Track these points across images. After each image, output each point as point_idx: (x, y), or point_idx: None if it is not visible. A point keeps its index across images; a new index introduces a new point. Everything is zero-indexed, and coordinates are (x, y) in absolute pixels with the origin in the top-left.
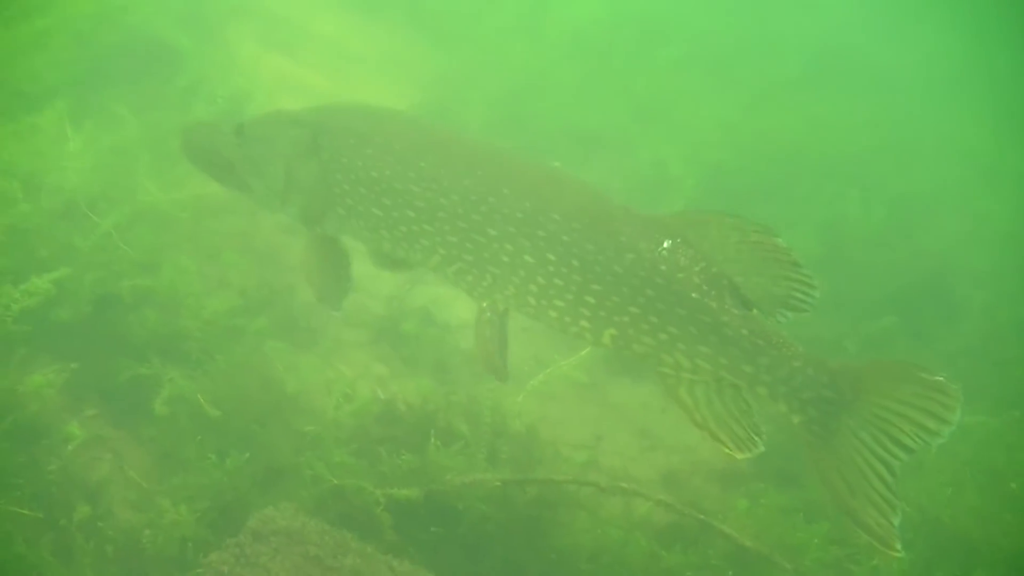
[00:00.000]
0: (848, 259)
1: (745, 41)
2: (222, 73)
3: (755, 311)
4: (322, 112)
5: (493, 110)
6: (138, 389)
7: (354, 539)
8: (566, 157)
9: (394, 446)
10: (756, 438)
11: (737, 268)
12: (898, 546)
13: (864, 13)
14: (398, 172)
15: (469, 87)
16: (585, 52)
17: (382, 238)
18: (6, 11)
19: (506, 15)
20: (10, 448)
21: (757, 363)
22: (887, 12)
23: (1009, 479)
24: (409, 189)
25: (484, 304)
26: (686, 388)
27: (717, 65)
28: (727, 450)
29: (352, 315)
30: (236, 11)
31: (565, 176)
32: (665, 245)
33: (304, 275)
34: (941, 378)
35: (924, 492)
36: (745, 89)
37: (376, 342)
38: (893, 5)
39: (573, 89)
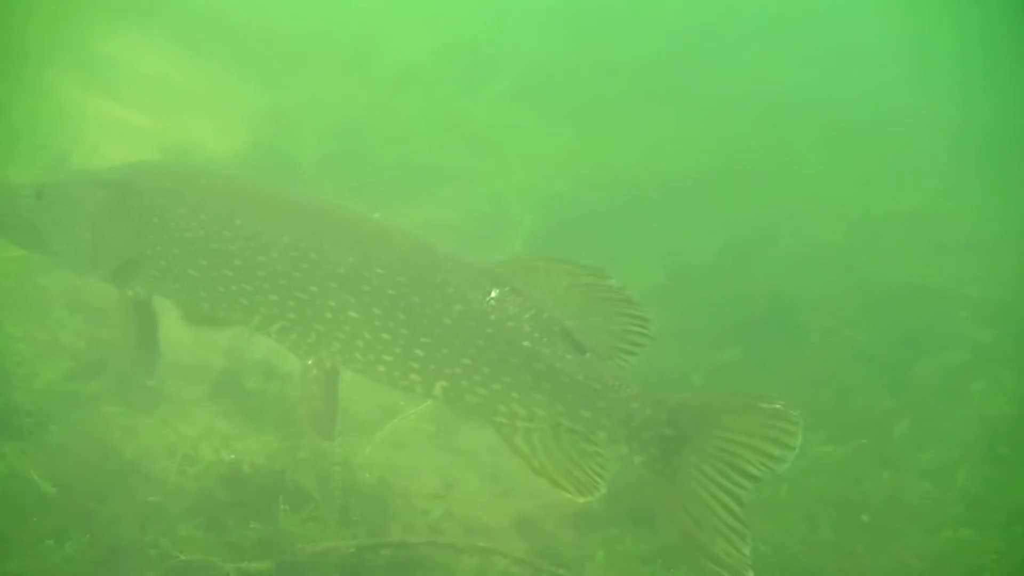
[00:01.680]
0: (689, 289)
1: (575, 68)
2: (44, 121)
3: (589, 354)
4: (128, 171)
5: (325, 146)
6: None
7: None
8: (401, 192)
9: (242, 512)
10: (598, 480)
11: (569, 312)
12: (750, 574)
13: (694, 37)
14: (213, 231)
15: (299, 123)
16: (416, 85)
17: (200, 299)
18: None
19: (334, 50)
20: None
21: (595, 407)
22: (717, 34)
23: (860, 511)
24: (226, 248)
25: (309, 362)
26: (522, 436)
27: (548, 94)
28: (567, 494)
29: (191, 371)
30: (56, 53)
31: (388, 227)
32: (493, 294)
33: (115, 343)
34: (779, 405)
35: (779, 528)
36: (577, 117)
37: (217, 397)
38: (720, 27)
39: (406, 123)
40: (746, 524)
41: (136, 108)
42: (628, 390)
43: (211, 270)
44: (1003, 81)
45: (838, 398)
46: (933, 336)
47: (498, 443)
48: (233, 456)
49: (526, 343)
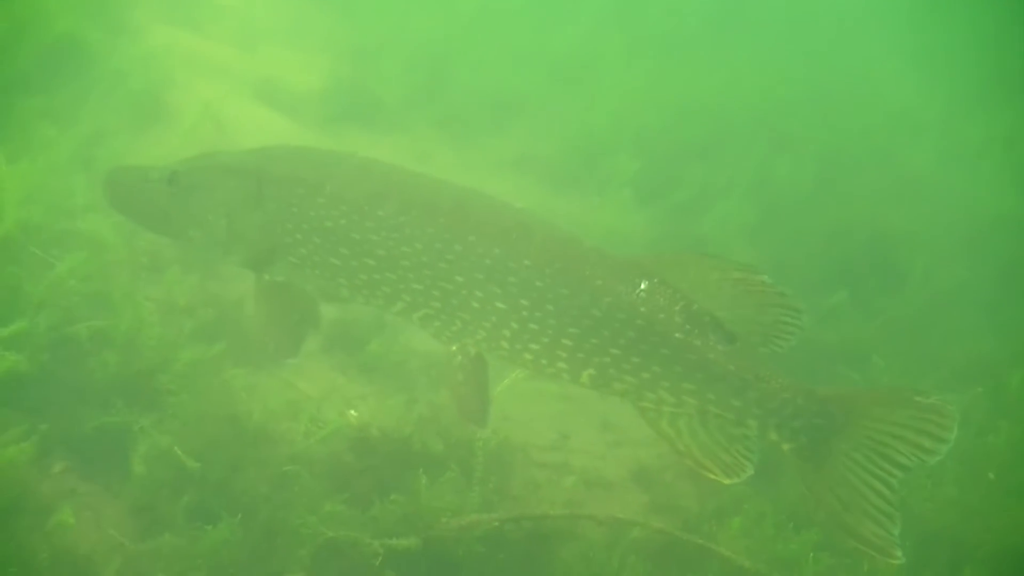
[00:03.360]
0: (784, 226)
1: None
2: (137, 65)
3: (739, 344)
4: (262, 159)
5: (410, 80)
6: (106, 438)
7: None
8: (488, 125)
9: (375, 479)
10: (745, 462)
11: (719, 304)
12: (898, 553)
13: None
14: (355, 222)
15: (383, 57)
16: (498, 16)
17: (339, 286)
18: None
19: None
20: None
21: (746, 397)
22: None
23: (984, 467)
24: (368, 239)
25: (454, 348)
26: (668, 421)
27: (630, 26)
28: (712, 476)
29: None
30: None
31: (532, 218)
32: (643, 286)
33: (256, 324)
34: (935, 400)
35: (904, 486)
36: (659, 49)
37: (330, 350)
38: None
39: (490, 55)
40: (896, 508)
41: (221, 42)
42: (779, 380)
43: (352, 259)
44: None
45: (944, 342)
46: None
47: None
48: (356, 415)
49: (677, 334)
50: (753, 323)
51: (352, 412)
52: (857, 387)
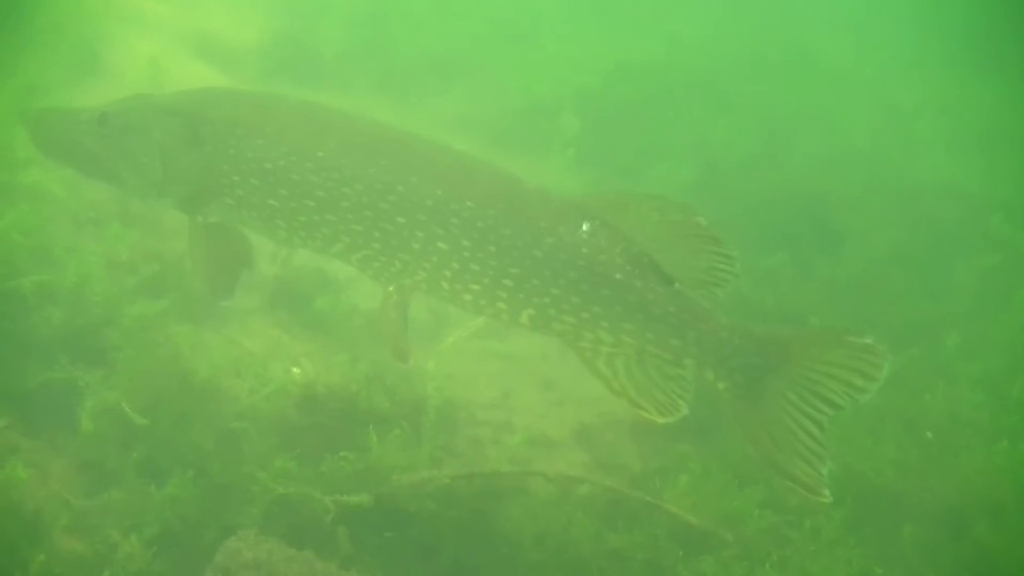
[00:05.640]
0: (724, 188)
1: None
2: (74, 19)
3: (677, 285)
4: (198, 100)
5: (348, 37)
6: (50, 394)
7: (318, 559)
8: (428, 85)
9: (322, 436)
10: (679, 402)
11: (657, 246)
12: (826, 492)
13: None
14: (294, 163)
15: (320, 14)
16: None
17: (277, 227)
18: None
19: None
20: None
21: (685, 337)
22: None
23: (922, 427)
24: (308, 179)
25: (391, 288)
26: (604, 361)
27: None
28: (647, 415)
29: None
30: None
31: (475, 160)
32: (585, 228)
33: (191, 266)
34: (870, 340)
35: (845, 445)
36: (600, 9)
37: (272, 308)
38: None
39: (429, 13)
40: (825, 447)
41: None
42: (717, 320)
43: (291, 200)
44: None
45: (881, 303)
46: (967, 238)
47: (547, 348)
48: (300, 373)
49: (618, 275)
50: (688, 267)
51: (295, 370)
52: (792, 329)
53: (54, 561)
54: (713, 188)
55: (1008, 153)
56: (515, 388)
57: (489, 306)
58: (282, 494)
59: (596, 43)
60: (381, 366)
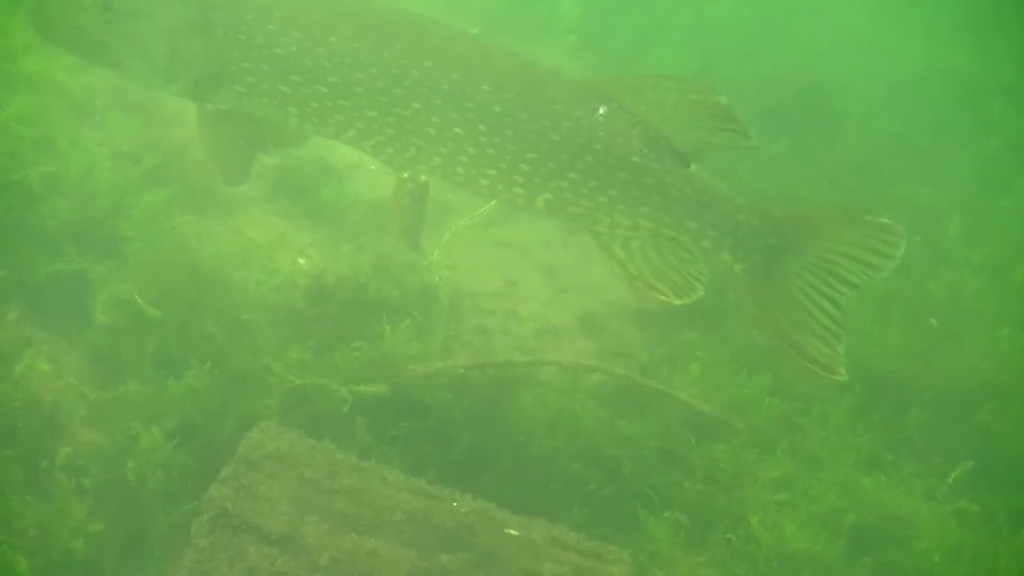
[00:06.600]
0: (723, 73)
1: None
2: None
3: (695, 168)
4: None
5: None
6: (60, 286)
7: (338, 450)
8: None
9: (334, 326)
10: (696, 283)
11: (674, 127)
12: (842, 370)
13: None
14: (307, 48)
15: None
16: None
17: (289, 114)
18: None
19: None
20: None
21: (702, 219)
22: None
23: (926, 313)
24: (321, 65)
25: (405, 175)
26: (620, 243)
27: None
28: (663, 297)
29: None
30: None
31: (490, 44)
32: (602, 111)
33: (204, 153)
34: (886, 219)
35: (851, 332)
36: None
37: (273, 197)
38: None
39: None
40: (842, 326)
41: None
42: (734, 202)
43: (304, 87)
44: None
45: (882, 189)
46: (968, 123)
47: (549, 235)
48: (307, 263)
49: (635, 158)
50: (705, 144)
51: (302, 260)
52: (809, 208)
53: (77, 454)
54: (711, 74)
55: (1009, 37)
56: (519, 276)
57: (506, 191)
58: (299, 385)
59: None
60: (387, 256)
